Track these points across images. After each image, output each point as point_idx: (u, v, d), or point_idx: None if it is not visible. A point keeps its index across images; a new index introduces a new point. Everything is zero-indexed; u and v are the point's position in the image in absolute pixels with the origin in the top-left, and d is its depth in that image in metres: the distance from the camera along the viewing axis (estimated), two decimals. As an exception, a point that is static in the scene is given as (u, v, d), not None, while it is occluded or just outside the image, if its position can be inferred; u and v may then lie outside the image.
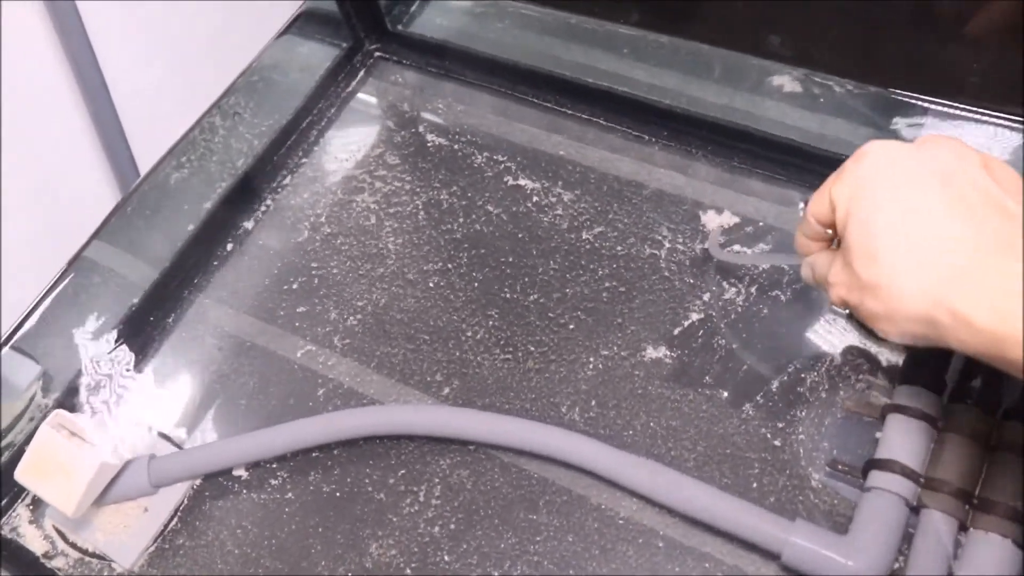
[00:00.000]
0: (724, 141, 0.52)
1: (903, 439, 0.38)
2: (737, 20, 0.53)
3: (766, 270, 0.47)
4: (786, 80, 0.53)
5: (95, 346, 0.49)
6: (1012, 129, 0.48)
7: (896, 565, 0.36)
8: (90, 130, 0.71)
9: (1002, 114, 0.48)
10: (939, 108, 0.50)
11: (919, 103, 0.50)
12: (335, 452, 0.45)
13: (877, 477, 0.37)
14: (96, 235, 0.52)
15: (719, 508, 0.38)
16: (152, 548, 0.43)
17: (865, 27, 0.49)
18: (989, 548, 0.35)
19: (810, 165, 0.50)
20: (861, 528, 0.37)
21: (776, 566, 0.38)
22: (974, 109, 0.49)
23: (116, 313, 0.51)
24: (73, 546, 0.44)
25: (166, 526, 0.44)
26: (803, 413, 0.42)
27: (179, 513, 0.44)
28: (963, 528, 0.36)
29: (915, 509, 0.37)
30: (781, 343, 0.44)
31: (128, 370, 0.49)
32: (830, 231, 0.37)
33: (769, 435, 0.41)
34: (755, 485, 0.40)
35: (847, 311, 0.44)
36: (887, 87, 0.51)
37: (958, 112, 0.49)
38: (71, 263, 0.51)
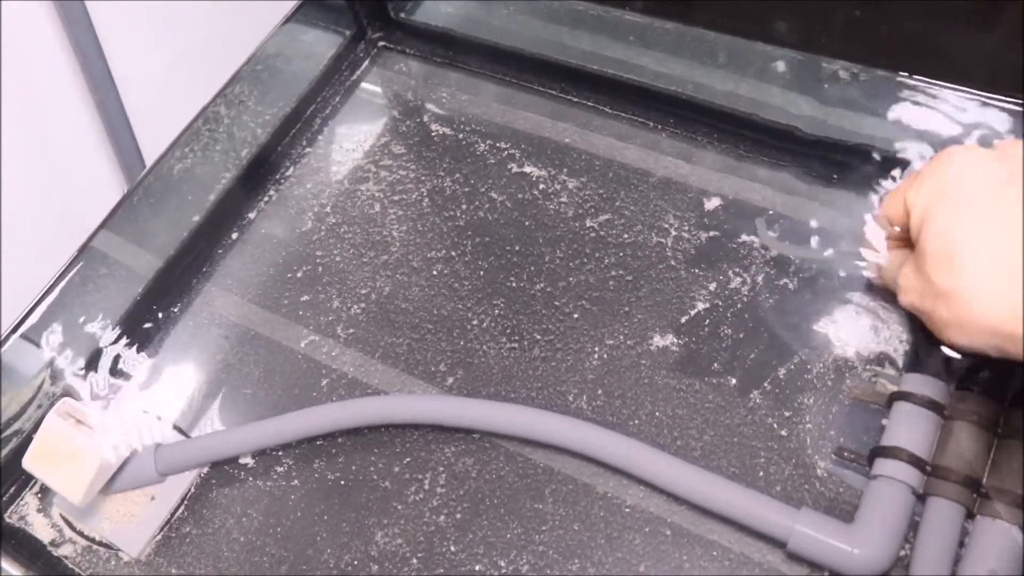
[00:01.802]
0: (730, 128, 0.52)
1: (909, 427, 0.38)
2: (743, 6, 0.53)
3: (773, 258, 0.46)
4: (792, 66, 0.53)
5: (102, 334, 0.50)
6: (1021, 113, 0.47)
7: (902, 552, 0.36)
8: (96, 120, 0.71)
9: (1012, 99, 0.48)
10: (947, 92, 0.49)
11: (926, 87, 0.49)
12: (340, 440, 0.45)
13: (883, 465, 0.37)
14: (103, 225, 0.52)
15: (725, 496, 0.38)
16: (159, 536, 0.44)
17: (871, 12, 0.48)
18: (995, 535, 0.35)
19: (816, 152, 0.50)
20: (867, 516, 0.36)
21: (782, 554, 0.38)
22: (982, 93, 0.48)
23: (123, 302, 0.51)
24: (80, 534, 0.44)
25: (173, 514, 0.44)
26: (810, 401, 0.41)
27: (186, 501, 0.44)
28: (970, 516, 0.36)
29: (921, 497, 0.37)
30: (788, 332, 0.44)
31: (135, 359, 0.49)
32: (898, 230, 0.37)
33: (775, 424, 0.41)
34: (761, 474, 0.40)
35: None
36: (894, 71, 0.50)
37: (966, 96, 0.48)
38: (79, 253, 0.51)
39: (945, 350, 0.39)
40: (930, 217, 0.32)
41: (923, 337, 0.41)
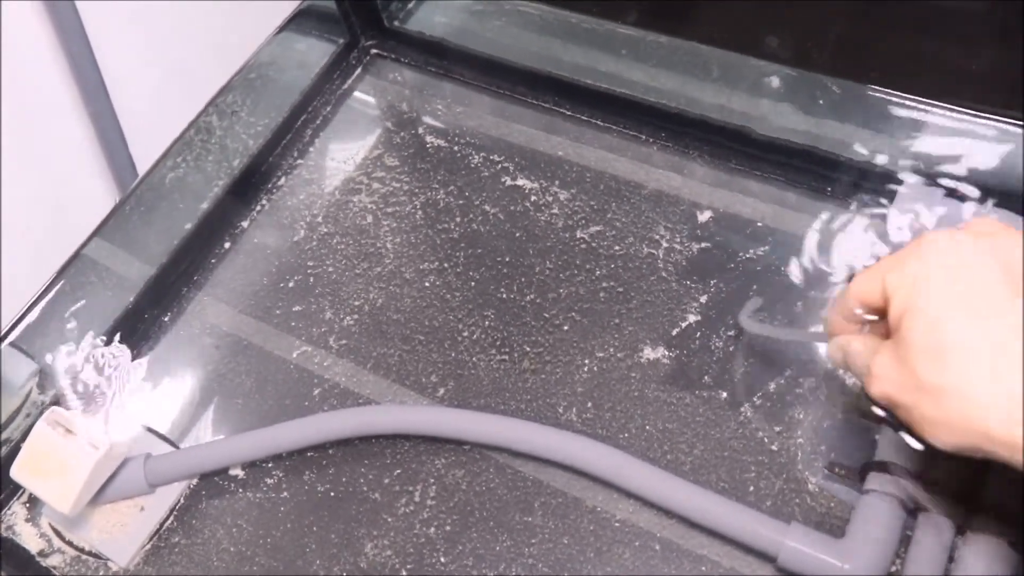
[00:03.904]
0: (721, 142, 0.52)
1: (901, 442, 0.38)
2: (735, 21, 0.53)
3: (760, 269, 0.46)
4: (784, 81, 0.53)
5: (92, 344, 0.49)
6: (1012, 131, 0.48)
7: (893, 568, 0.36)
8: (89, 129, 0.70)
9: (1001, 117, 0.48)
10: (937, 110, 0.50)
11: (917, 105, 0.50)
12: (330, 451, 0.44)
13: (875, 480, 0.37)
14: (95, 234, 0.52)
15: (715, 511, 0.38)
16: (148, 547, 0.43)
17: (863, 28, 0.49)
18: (986, 551, 0.35)
19: (807, 166, 0.50)
20: (858, 531, 0.37)
21: (772, 568, 0.38)
22: (973, 111, 0.48)
23: (113, 311, 0.51)
24: (69, 544, 0.44)
25: (162, 525, 0.44)
26: (801, 416, 0.42)
27: (175, 512, 0.44)
28: (961, 531, 0.36)
29: (913, 512, 0.37)
30: (779, 345, 0.44)
31: (125, 368, 0.49)
32: (868, 317, 0.35)
33: (766, 438, 0.41)
34: (752, 488, 0.40)
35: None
36: (884, 88, 0.51)
37: (956, 114, 0.49)
38: (69, 261, 0.51)
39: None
40: (915, 308, 0.31)
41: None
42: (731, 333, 0.45)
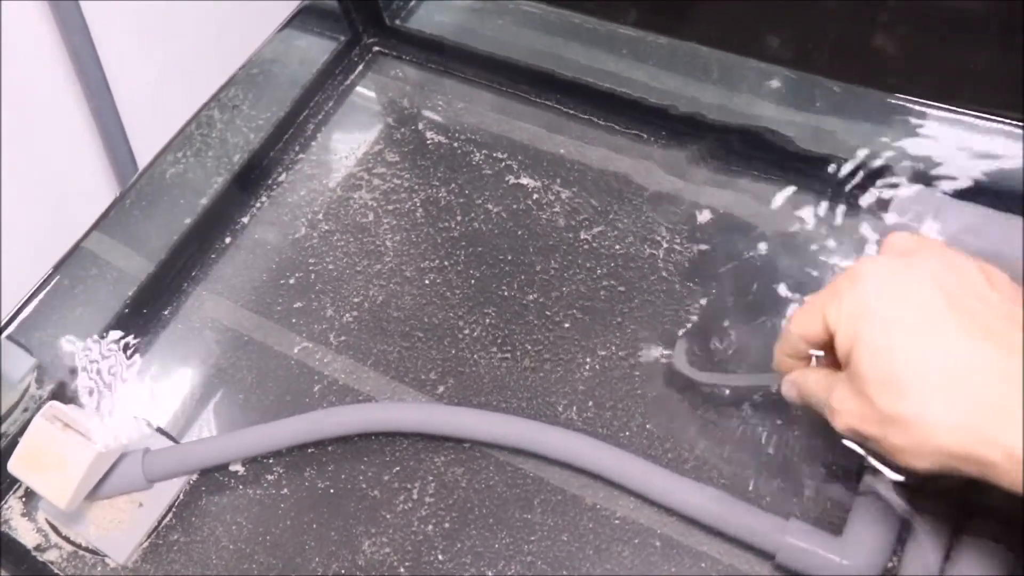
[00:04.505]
0: (722, 142, 0.52)
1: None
2: (736, 21, 0.53)
3: (760, 270, 0.47)
4: (784, 82, 0.54)
5: (91, 337, 0.49)
6: (1012, 133, 0.48)
7: (890, 565, 0.36)
8: (90, 123, 0.70)
9: (1000, 118, 0.48)
10: (937, 112, 0.50)
11: (917, 107, 0.50)
12: (330, 448, 0.44)
13: (872, 481, 0.37)
14: (94, 227, 0.52)
15: (714, 508, 0.38)
16: (146, 543, 0.43)
17: (864, 30, 0.49)
18: (981, 551, 0.35)
19: (807, 168, 0.50)
20: (855, 528, 0.37)
21: (771, 565, 0.38)
22: (973, 112, 0.49)
23: (113, 305, 0.50)
24: (66, 540, 0.44)
25: (160, 521, 0.44)
26: (799, 415, 0.42)
27: (174, 508, 0.44)
28: (957, 531, 0.36)
29: (910, 512, 0.37)
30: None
31: (124, 362, 0.49)
32: (814, 352, 0.35)
33: (766, 437, 0.41)
34: (751, 486, 0.40)
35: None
36: (885, 90, 0.51)
37: (956, 115, 0.49)
38: (68, 255, 0.51)
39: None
40: (860, 339, 0.31)
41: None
42: (731, 334, 0.45)
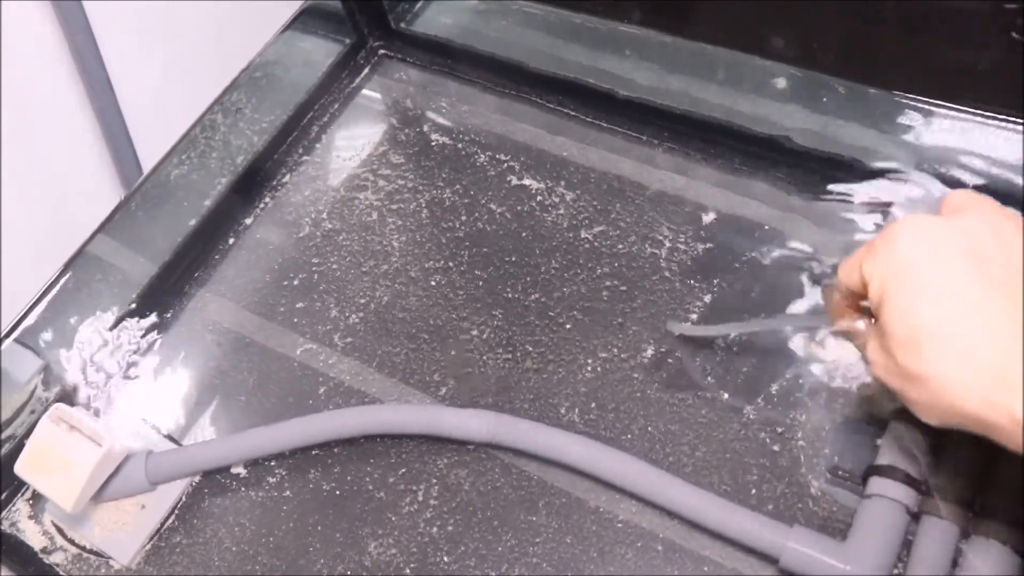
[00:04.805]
0: (726, 142, 0.52)
1: (904, 445, 0.38)
2: (740, 20, 0.53)
3: (763, 270, 0.46)
4: (788, 81, 0.53)
5: (96, 340, 0.49)
6: (1015, 131, 0.48)
7: (895, 572, 0.36)
8: (94, 126, 0.71)
9: (1005, 116, 0.48)
10: (942, 110, 0.50)
11: (921, 105, 0.50)
12: (335, 450, 0.44)
13: (877, 483, 0.37)
14: (99, 230, 0.52)
15: (717, 513, 0.38)
16: (149, 546, 0.43)
17: (868, 28, 0.49)
18: (989, 555, 0.35)
19: (811, 167, 0.50)
20: (860, 534, 0.36)
21: (774, 570, 0.38)
22: (978, 111, 0.48)
23: (117, 307, 0.51)
24: (71, 542, 0.44)
25: (163, 523, 0.44)
26: (803, 418, 0.41)
27: (177, 510, 0.44)
28: (964, 535, 0.36)
29: (916, 516, 0.37)
30: (783, 347, 0.44)
31: (128, 364, 0.49)
32: (862, 303, 0.36)
33: (768, 440, 0.41)
34: (754, 491, 0.40)
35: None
36: (890, 89, 0.51)
37: (961, 114, 0.49)
38: (73, 258, 0.51)
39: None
40: (889, 297, 0.32)
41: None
42: (734, 334, 0.45)
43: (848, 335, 0.37)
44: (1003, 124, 0.48)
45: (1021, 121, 0.47)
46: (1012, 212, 0.33)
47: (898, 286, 0.32)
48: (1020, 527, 0.35)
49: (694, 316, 0.46)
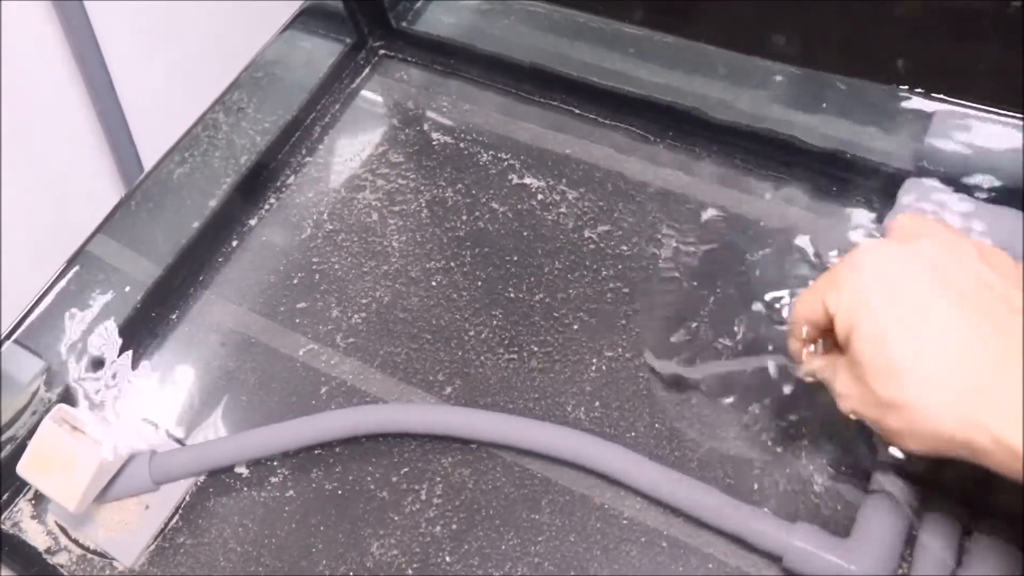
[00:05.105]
0: (729, 140, 0.52)
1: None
2: (742, 19, 0.53)
3: (767, 269, 0.46)
4: (791, 79, 0.53)
5: (99, 341, 0.49)
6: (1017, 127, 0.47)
7: (900, 570, 0.36)
8: (96, 126, 0.71)
9: (1009, 112, 0.48)
10: (945, 108, 0.49)
11: (923, 103, 0.50)
12: (337, 450, 0.44)
13: (880, 480, 0.37)
14: (99, 230, 0.52)
15: (722, 510, 0.38)
16: (152, 546, 0.43)
17: (868, 25, 0.49)
18: (992, 552, 0.35)
19: (814, 165, 0.50)
20: (863, 531, 0.36)
21: (778, 568, 0.38)
22: (981, 107, 0.48)
23: (120, 308, 0.51)
24: (75, 542, 0.44)
25: (167, 524, 0.44)
26: (807, 415, 0.41)
27: (180, 510, 0.44)
28: (967, 532, 0.36)
29: (919, 513, 0.37)
30: (787, 345, 0.44)
31: (131, 365, 0.49)
32: (810, 334, 0.36)
33: (772, 438, 0.41)
34: (757, 487, 0.40)
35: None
36: (892, 84, 0.50)
37: (964, 110, 0.49)
38: (74, 258, 0.51)
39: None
40: (858, 325, 0.31)
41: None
42: (738, 334, 0.45)
43: (815, 373, 0.36)
44: (1005, 120, 0.48)
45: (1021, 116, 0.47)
46: (960, 232, 0.33)
47: (867, 314, 0.31)
48: (1022, 523, 0.35)
49: (698, 316, 0.46)
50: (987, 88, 0.48)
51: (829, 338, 0.36)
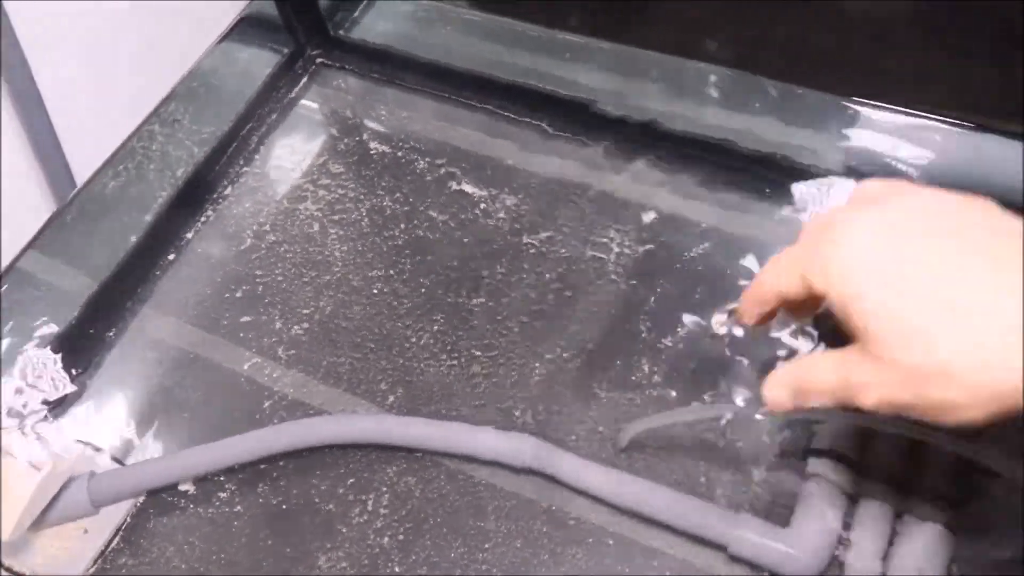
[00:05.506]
0: (666, 144, 0.53)
1: (838, 429, 0.39)
2: (678, 24, 0.54)
3: (704, 269, 0.47)
4: (727, 83, 0.55)
5: (31, 360, 0.48)
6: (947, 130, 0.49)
7: (838, 552, 0.37)
8: (23, 139, 0.69)
9: (934, 115, 0.50)
10: (868, 110, 0.51)
11: (857, 107, 0.52)
12: (282, 463, 0.44)
13: (815, 465, 0.39)
14: (30, 246, 0.51)
15: (667, 505, 0.39)
16: (92, 570, 0.42)
17: (806, 31, 0.50)
18: (921, 534, 0.36)
19: (749, 166, 0.51)
20: (802, 518, 0.38)
21: (723, 557, 0.38)
22: (916, 112, 0.50)
23: (55, 325, 0.49)
24: (9, 571, 0.43)
25: (107, 546, 0.43)
26: (745, 410, 0.42)
27: (121, 532, 0.43)
28: (899, 515, 0.37)
29: (853, 497, 0.38)
30: (717, 342, 0.45)
31: (67, 385, 0.48)
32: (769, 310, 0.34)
33: (715, 433, 0.42)
34: (703, 480, 0.41)
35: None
36: (825, 90, 0.52)
37: (898, 114, 0.51)
38: (3, 274, 0.50)
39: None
40: (866, 300, 0.28)
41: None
42: (679, 332, 0.45)
43: (797, 384, 0.33)
44: (935, 124, 0.50)
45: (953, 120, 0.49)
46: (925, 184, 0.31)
47: (871, 283, 0.28)
48: (949, 505, 0.37)
49: (639, 317, 0.46)
50: (907, 91, 0.50)
51: (793, 310, 0.34)
